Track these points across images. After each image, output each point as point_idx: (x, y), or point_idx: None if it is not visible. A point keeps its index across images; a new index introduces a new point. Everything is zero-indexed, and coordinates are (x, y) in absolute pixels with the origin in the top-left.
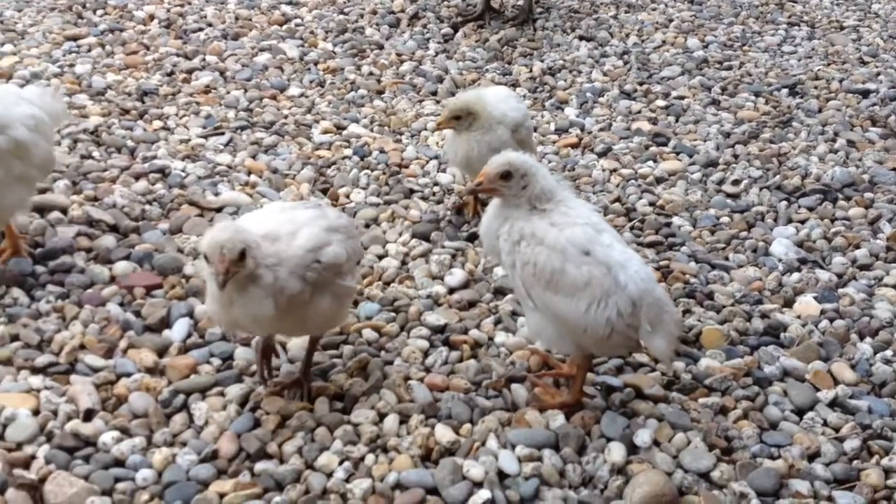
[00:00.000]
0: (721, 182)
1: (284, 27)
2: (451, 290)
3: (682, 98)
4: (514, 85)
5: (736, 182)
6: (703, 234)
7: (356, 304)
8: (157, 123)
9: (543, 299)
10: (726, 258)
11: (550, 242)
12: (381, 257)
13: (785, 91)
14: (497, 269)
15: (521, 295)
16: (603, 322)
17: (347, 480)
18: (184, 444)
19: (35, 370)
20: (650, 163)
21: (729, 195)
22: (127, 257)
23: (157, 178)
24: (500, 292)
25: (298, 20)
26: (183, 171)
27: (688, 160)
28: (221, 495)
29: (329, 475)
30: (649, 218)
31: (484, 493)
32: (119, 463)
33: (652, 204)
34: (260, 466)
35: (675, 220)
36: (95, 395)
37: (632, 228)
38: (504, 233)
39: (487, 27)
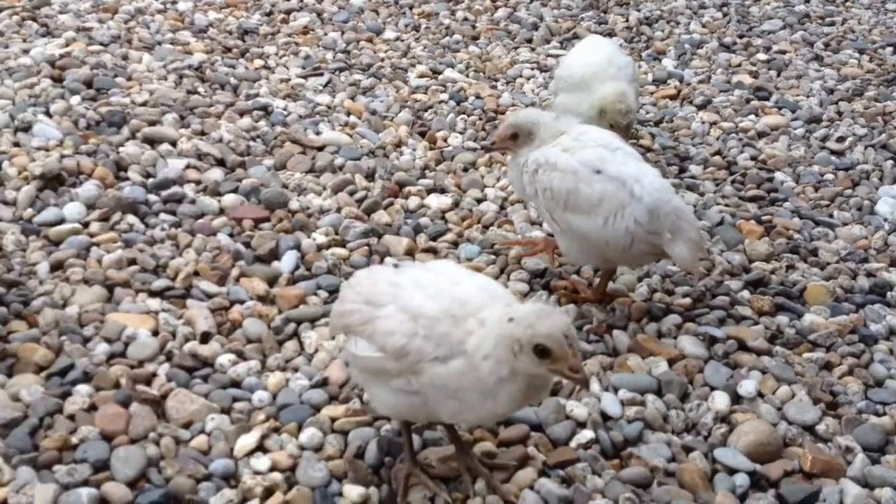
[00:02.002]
0: (825, 139)
1: None
2: (550, 235)
3: (783, 53)
4: (610, 34)
5: (840, 139)
6: (806, 191)
7: (456, 245)
8: (258, 62)
9: (565, 220)
10: (830, 215)
11: (562, 166)
12: (479, 201)
13: (890, 49)
14: None
15: (546, 220)
16: (622, 233)
17: None
18: (295, 370)
19: (152, 293)
20: (751, 117)
21: (833, 152)
22: (234, 190)
23: (260, 116)
24: None
25: None
26: (284, 109)
27: (790, 115)
28: (333, 419)
29: None
30: (751, 172)
31: (587, 433)
32: (235, 384)
33: (754, 158)
34: (368, 395)
35: (778, 176)
36: (211, 318)
37: (733, 182)
38: (523, 167)
39: None
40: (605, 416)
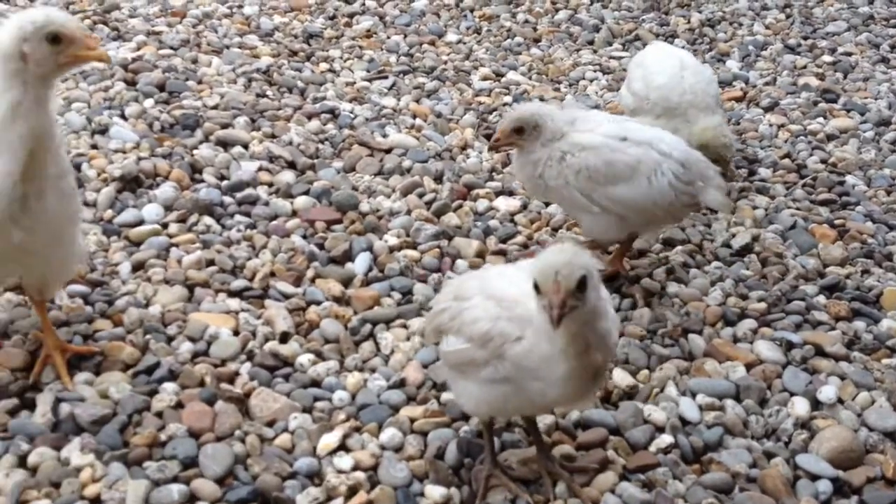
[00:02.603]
0: (895, 142)
1: None
2: None
3: (849, 55)
4: (673, 36)
5: None
6: (878, 195)
7: (526, 247)
8: (324, 66)
9: (608, 195)
10: None
11: (590, 143)
12: (547, 203)
13: None
14: None
15: (581, 205)
16: (666, 188)
17: None
18: (373, 371)
19: (231, 293)
20: (820, 119)
21: None
22: (306, 192)
23: (327, 119)
24: (668, 243)
25: None
26: (351, 112)
27: (859, 118)
28: (412, 420)
29: None
30: (821, 175)
31: (667, 438)
32: (315, 383)
33: (824, 161)
34: (446, 396)
35: (849, 179)
36: (289, 319)
37: (803, 185)
38: (543, 161)
39: None
40: (684, 421)
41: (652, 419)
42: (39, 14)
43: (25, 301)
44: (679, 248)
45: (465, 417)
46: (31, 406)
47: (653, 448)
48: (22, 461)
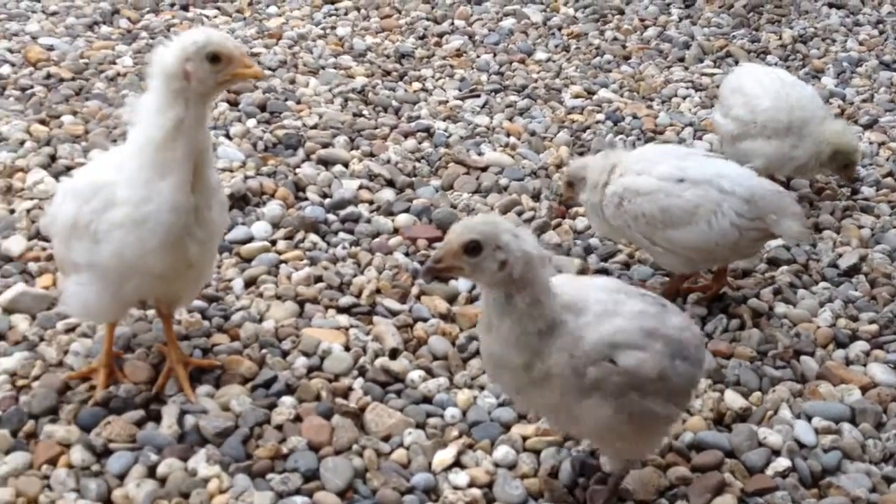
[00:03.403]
0: None
1: None
2: None
3: None
4: (765, 53)
5: None
6: None
7: (627, 266)
8: (417, 85)
9: (668, 239)
10: None
11: (645, 188)
12: None
13: None
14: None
15: (646, 247)
16: (728, 229)
17: None
18: (482, 388)
19: (340, 309)
20: None
21: None
22: (406, 210)
23: (423, 137)
24: (773, 262)
25: None
26: (445, 130)
27: None
28: (524, 438)
29: None
30: None
31: (783, 461)
32: (427, 399)
33: None
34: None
35: None
36: (398, 335)
37: None
38: (605, 201)
39: None
40: (800, 444)
41: (767, 442)
42: (200, 35)
43: (145, 315)
44: (784, 267)
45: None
46: (155, 418)
47: (770, 471)
48: (151, 471)
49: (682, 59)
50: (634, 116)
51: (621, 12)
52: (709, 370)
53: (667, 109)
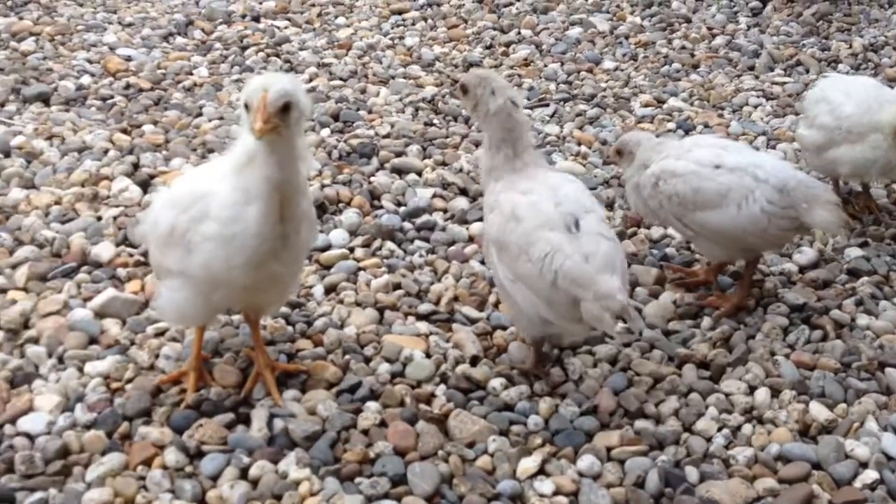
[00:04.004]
0: None
1: (591, 1)
2: (802, 269)
3: None
4: (835, 61)
5: None
6: None
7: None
8: None
9: (697, 221)
10: None
11: (681, 170)
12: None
13: None
14: (848, 251)
15: (678, 228)
16: (757, 215)
17: (727, 447)
18: (563, 396)
19: (419, 317)
20: None
21: None
22: (480, 219)
23: None
24: (853, 273)
25: None
26: None
27: None
28: (609, 448)
29: (708, 440)
30: None
31: (871, 473)
32: (508, 407)
33: None
34: (639, 424)
35: None
36: (478, 343)
37: None
38: (643, 185)
39: (798, 0)
40: (888, 457)
41: (854, 454)
42: (254, 79)
43: (231, 320)
44: (865, 279)
45: (661, 446)
46: (244, 421)
47: (858, 483)
48: (243, 473)
49: (751, 68)
50: (706, 125)
51: (688, 21)
52: (793, 381)
53: (738, 118)
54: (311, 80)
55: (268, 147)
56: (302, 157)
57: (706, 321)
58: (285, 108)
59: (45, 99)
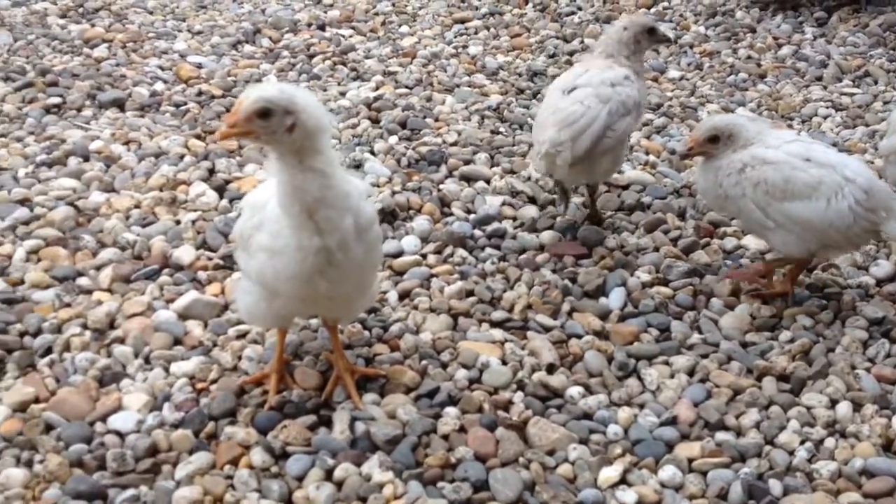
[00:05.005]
0: None
1: (653, 10)
2: (879, 282)
3: None
4: None
5: None
6: None
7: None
8: None
9: (782, 211)
10: None
11: (772, 158)
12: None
13: None
14: None
15: (756, 220)
16: (845, 211)
17: (810, 461)
18: (641, 406)
19: (493, 324)
20: None
21: None
22: (550, 227)
23: None
24: None
25: (666, 3)
26: None
27: None
28: (690, 460)
29: (791, 453)
30: None
31: None
32: (587, 416)
33: None
34: (720, 436)
35: None
36: (554, 351)
37: None
38: (724, 169)
39: (864, 11)
40: None
41: None
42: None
43: (309, 324)
44: None
45: (741, 458)
46: (326, 423)
47: None
48: (328, 475)
49: (819, 78)
50: None
51: (753, 30)
52: (875, 395)
53: (808, 129)
54: (377, 88)
55: (272, 155)
56: (320, 171)
57: (784, 334)
58: (264, 115)
59: (120, 105)
